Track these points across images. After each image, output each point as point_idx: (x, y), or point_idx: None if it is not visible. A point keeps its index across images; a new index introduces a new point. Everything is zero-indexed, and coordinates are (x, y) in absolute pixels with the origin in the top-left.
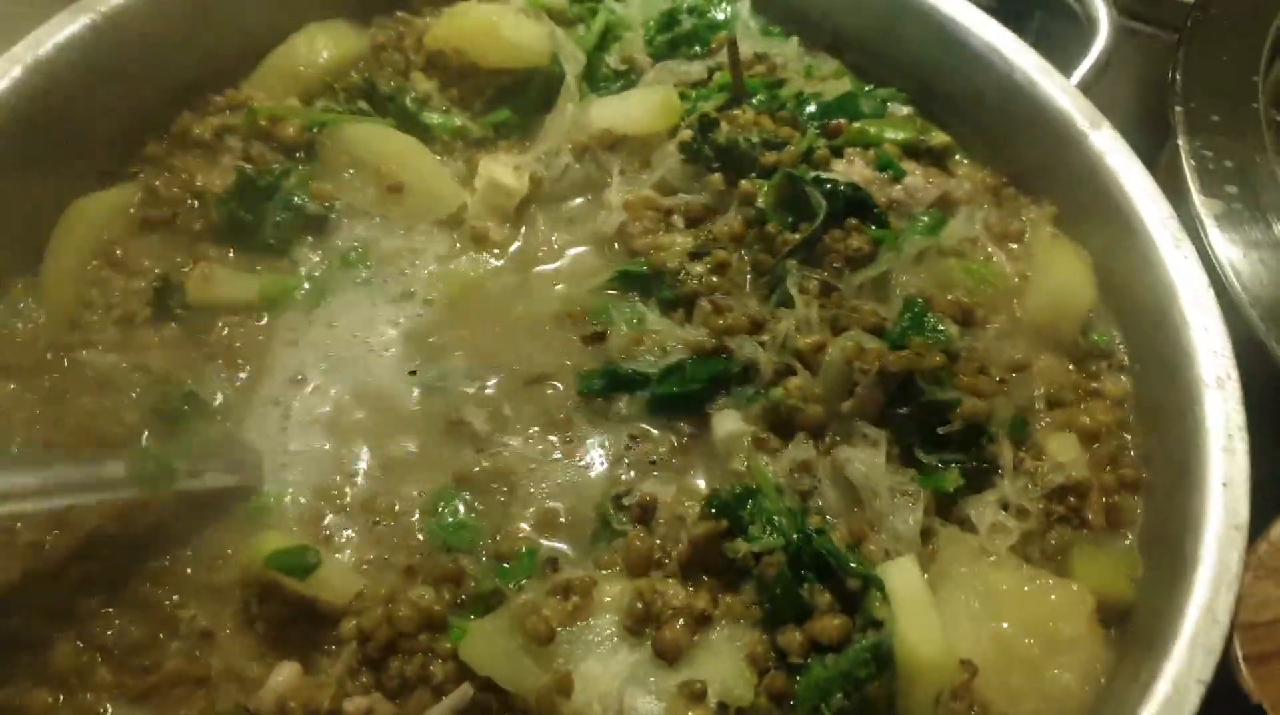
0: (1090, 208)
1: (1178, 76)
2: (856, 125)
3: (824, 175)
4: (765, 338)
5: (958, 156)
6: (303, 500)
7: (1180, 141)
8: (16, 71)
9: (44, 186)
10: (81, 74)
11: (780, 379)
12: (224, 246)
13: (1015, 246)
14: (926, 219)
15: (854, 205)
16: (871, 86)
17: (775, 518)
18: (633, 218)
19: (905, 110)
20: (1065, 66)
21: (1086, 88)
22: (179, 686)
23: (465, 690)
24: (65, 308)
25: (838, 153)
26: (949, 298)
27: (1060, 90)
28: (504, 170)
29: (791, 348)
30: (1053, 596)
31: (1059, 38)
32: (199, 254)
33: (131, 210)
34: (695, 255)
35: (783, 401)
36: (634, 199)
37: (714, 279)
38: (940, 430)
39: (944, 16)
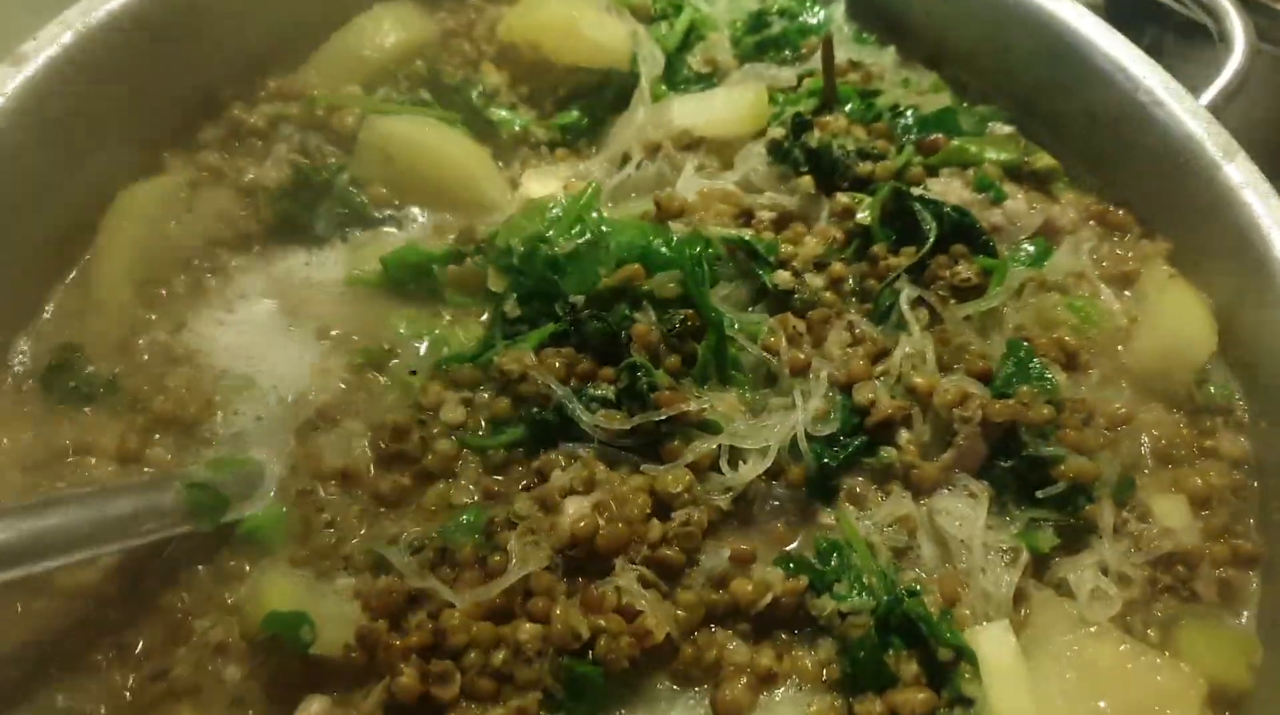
0: (1215, 246)
1: None
2: (956, 142)
3: (929, 195)
4: (880, 371)
5: (1061, 182)
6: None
7: None
8: (67, 38)
9: (86, 168)
10: (135, 45)
11: (886, 430)
12: (275, 240)
13: (1125, 283)
14: (1031, 248)
15: (960, 230)
16: (970, 103)
17: (865, 576)
18: (704, 209)
19: (1007, 129)
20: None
21: (1215, 113)
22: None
23: None
24: (122, 308)
25: (933, 171)
26: (1052, 337)
27: (1190, 114)
28: (543, 186)
29: (907, 383)
30: (1159, 677)
31: (1176, 57)
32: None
33: (181, 196)
34: (817, 265)
35: (897, 461)
36: (709, 192)
37: (828, 294)
38: (1040, 493)
39: (1063, 27)
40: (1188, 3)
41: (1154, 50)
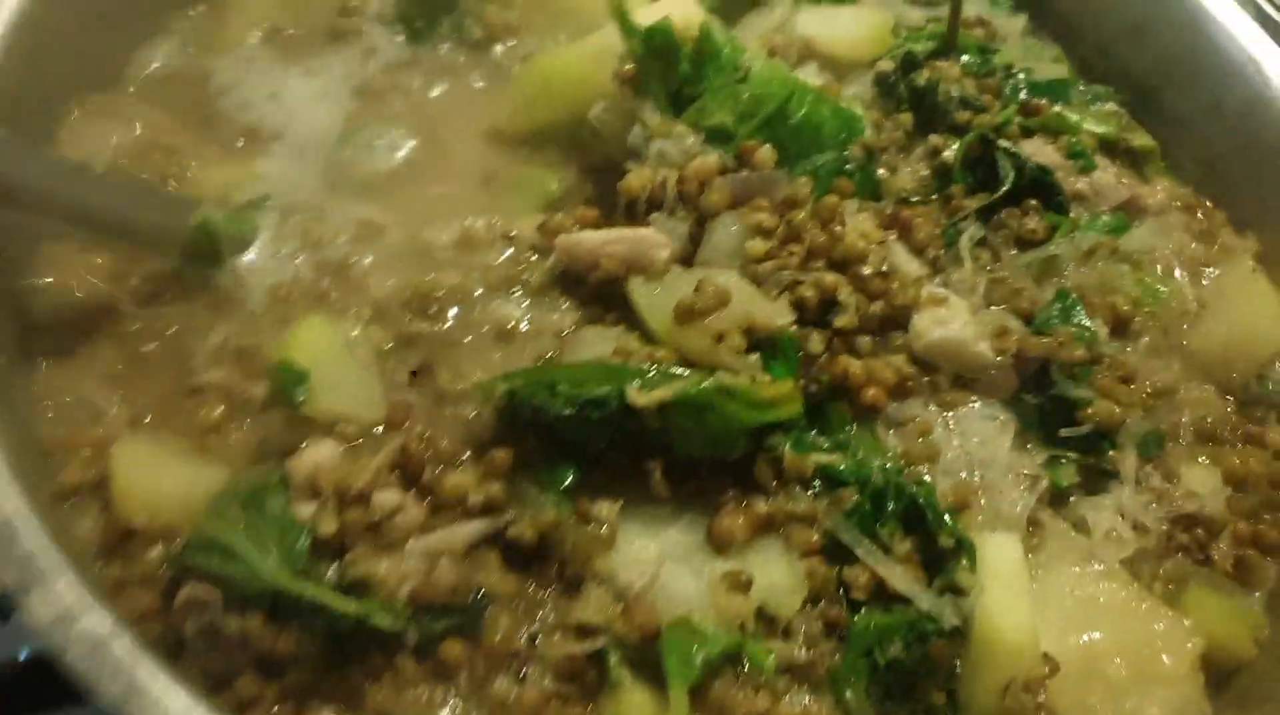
0: None
1: None
2: (1057, 109)
3: (1015, 148)
4: None
5: (1161, 168)
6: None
7: None
8: None
9: None
10: None
11: None
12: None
13: (1204, 271)
14: (1109, 218)
15: (1039, 186)
16: (1088, 81)
17: (862, 454)
18: None
19: (1114, 109)
20: None
21: None
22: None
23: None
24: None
25: (1029, 133)
26: (1106, 300)
27: None
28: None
29: None
30: (1159, 625)
31: None
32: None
33: None
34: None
35: None
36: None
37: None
38: (1064, 432)
39: (1200, 12)
40: None
41: None
